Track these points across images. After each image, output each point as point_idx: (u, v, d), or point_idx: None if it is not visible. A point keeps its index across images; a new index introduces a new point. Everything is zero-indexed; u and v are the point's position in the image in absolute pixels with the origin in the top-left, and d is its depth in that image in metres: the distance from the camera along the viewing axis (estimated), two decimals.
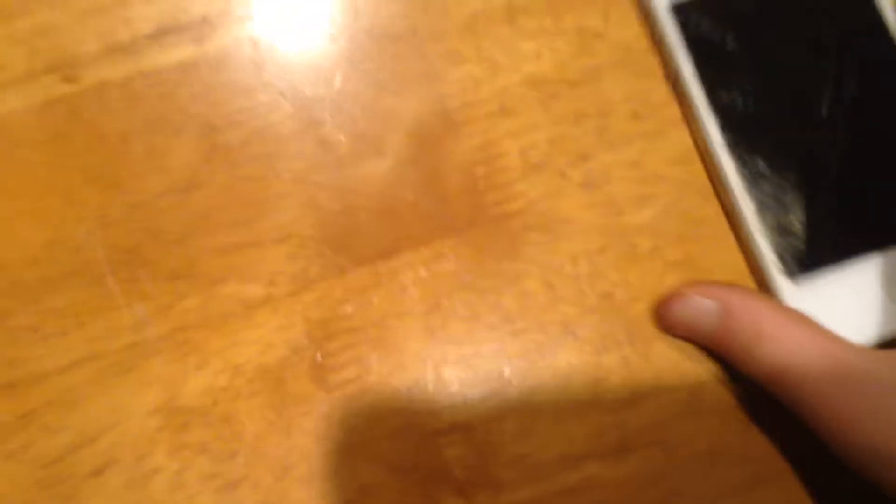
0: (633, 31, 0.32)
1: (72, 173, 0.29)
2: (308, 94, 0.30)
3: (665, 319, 0.29)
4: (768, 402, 0.27)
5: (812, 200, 0.29)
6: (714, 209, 0.30)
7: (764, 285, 0.29)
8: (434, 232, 0.30)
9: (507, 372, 0.29)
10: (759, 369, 0.27)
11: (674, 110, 0.31)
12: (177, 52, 0.30)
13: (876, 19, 0.30)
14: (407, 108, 0.31)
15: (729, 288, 0.28)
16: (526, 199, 0.30)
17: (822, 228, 0.29)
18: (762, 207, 0.29)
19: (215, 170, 0.30)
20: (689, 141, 0.31)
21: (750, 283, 0.30)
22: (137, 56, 0.30)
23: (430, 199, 0.30)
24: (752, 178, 0.29)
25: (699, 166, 0.31)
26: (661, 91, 0.31)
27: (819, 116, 0.30)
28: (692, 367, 0.29)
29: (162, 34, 0.31)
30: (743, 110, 0.30)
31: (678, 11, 0.30)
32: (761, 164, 0.29)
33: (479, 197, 0.30)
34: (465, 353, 0.29)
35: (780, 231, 0.29)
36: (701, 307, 0.28)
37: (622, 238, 0.30)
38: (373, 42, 0.31)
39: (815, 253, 0.29)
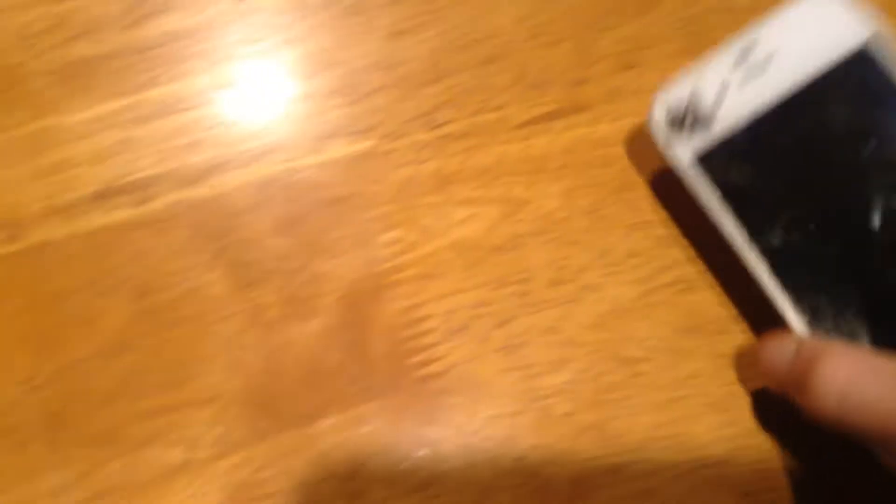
0: (555, 200, 0.33)
1: (4, 334, 0.30)
2: (242, 257, 0.32)
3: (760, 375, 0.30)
4: None
5: (876, 326, 0.28)
6: (626, 374, 0.32)
7: None
8: (357, 395, 0.31)
9: None
10: (824, 405, 0.26)
11: (590, 277, 0.33)
12: (117, 214, 0.32)
13: None
14: (338, 272, 0.32)
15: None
16: (447, 362, 0.32)
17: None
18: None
19: (145, 331, 0.31)
20: (603, 307, 0.32)
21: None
22: (79, 217, 0.32)
23: (356, 362, 0.31)
24: (813, 315, 0.28)
25: (613, 333, 0.32)
26: (580, 258, 0.33)
27: (871, 235, 0.28)
28: None
29: (104, 196, 0.32)
30: (789, 247, 0.29)
31: (703, 162, 0.29)
32: (819, 298, 0.28)
33: (403, 360, 0.31)
34: None
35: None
36: (777, 350, 0.28)
37: (538, 401, 0.31)
38: (309, 205, 0.33)
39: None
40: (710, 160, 0.29)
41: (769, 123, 0.29)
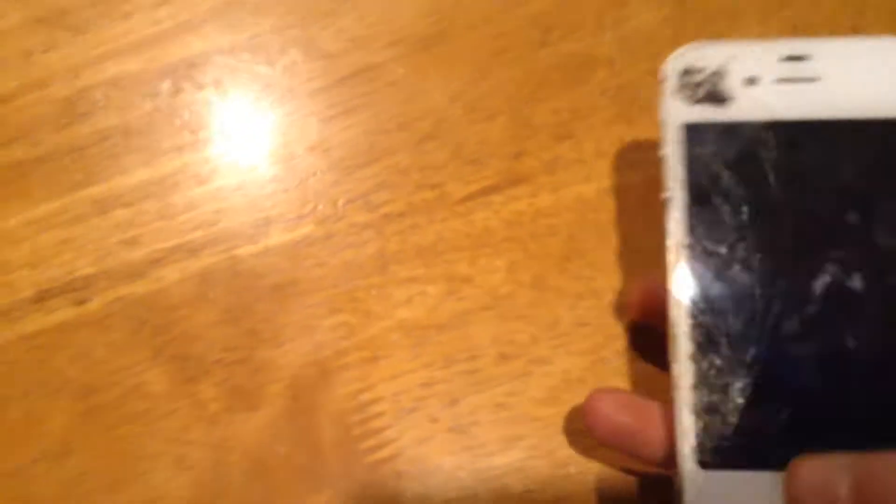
0: (499, 275, 0.33)
1: None
2: (184, 351, 0.32)
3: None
4: None
5: (757, 395, 0.25)
6: (581, 448, 0.31)
7: (675, 467, 0.26)
8: (308, 486, 0.30)
9: None
10: None
11: (538, 351, 0.32)
12: (57, 315, 0.32)
13: None
14: (283, 360, 0.32)
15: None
16: (398, 446, 0.31)
17: (756, 427, 0.25)
18: (701, 382, 0.25)
19: (90, 432, 0.30)
20: (554, 380, 0.32)
21: None
22: (19, 321, 0.31)
23: (304, 452, 0.31)
24: (704, 347, 0.25)
25: (564, 407, 0.32)
26: (527, 332, 0.33)
27: (805, 304, 0.26)
28: None
29: (43, 298, 0.32)
30: (721, 264, 0.26)
31: (691, 131, 0.26)
32: (719, 334, 0.25)
33: (354, 445, 0.31)
34: None
35: (709, 412, 0.25)
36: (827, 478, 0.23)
37: (491, 481, 0.31)
38: (250, 294, 0.32)
39: (734, 450, 0.25)
40: (700, 135, 0.26)
41: (778, 137, 0.26)
